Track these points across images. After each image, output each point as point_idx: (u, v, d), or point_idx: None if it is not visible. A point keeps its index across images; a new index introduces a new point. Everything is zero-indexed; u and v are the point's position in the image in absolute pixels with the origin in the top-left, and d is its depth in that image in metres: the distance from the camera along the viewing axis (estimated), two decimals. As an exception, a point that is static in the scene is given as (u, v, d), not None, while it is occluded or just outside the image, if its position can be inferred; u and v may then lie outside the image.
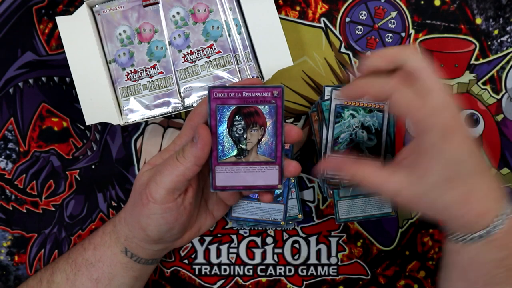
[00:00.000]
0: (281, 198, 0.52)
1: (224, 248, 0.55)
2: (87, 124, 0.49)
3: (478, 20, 0.54)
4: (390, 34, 0.54)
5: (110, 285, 0.48)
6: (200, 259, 0.55)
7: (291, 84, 0.54)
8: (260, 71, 0.51)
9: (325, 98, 0.50)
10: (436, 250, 0.55)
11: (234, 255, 0.55)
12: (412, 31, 0.54)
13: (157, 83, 0.51)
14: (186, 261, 0.55)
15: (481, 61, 0.54)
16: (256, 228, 0.54)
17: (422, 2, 0.54)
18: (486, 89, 0.54)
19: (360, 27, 0.54)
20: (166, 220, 0.45)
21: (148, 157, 0.54)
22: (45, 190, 0.54)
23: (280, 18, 0.50)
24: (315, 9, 0.54)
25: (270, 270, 0.55)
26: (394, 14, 0.54)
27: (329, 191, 0.54)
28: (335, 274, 0.55)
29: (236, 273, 0.55)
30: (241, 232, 0.55)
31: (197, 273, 0.55)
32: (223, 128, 0.43)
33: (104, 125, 0.54)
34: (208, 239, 0.55)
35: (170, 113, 0.50)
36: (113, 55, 0.51)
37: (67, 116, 0.54)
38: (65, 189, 0.54)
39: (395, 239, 0.55)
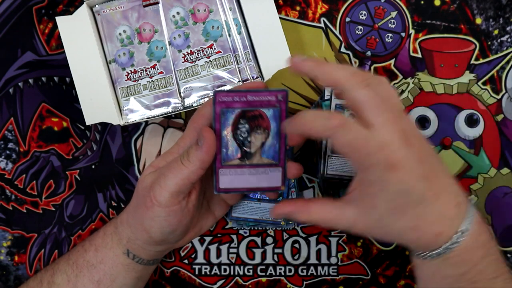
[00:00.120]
0: (281, 198, 0.52)
1: (224, 248, 0.55)
2: (87, 124, 0.49)
3: (478, 20, 0.54)
4: (390, 34, 0.54)
5: (112, 286, 0.48)
6: (200, 259, 0.55)
7: (291, 84, 0.54)
8: (260, 71, 0.51)
9: (325, 98, 0.50)
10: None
11: (234, 255, 0.55)
12: (412, 31, 0.54)
13: (157, 83, 0.51)
14: (186, 261, 0.55)
15: (481, 61, 0.54)
16: (256, 228, 0.54)
17: (422, 2, 0.54)
18: (486, 89, 0.54)
19: (360, 27, 0.54)
20: (170, 223, 0.45)
21: (148, 157, 0.54)
22: (45, 190, 0.54)
23: (280, 18, 0.50)
24: (315, 9, 0.54)
25: (270, 270, 0.55)
26: (394, 14, 0.54)
27: (329, 190, 0.54)
28: (335, 274, 0.55)
29: (236, 273, 0.55)
30: (241, 232, 0.55)
31: (197, 273, 0.55)
32: (227, 131, 0.43)
33: (104, 125, 0.54)
34: (208, 239, 0.55)
35: (170, 113, 0.50)
36: (113, 55, 0.51)
37: (67, 116, 0.54)
38: (65, 189, 0.54)
39: (395, 239, 0.55)
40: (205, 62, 0.50)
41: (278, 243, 0.55)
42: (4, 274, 0.55)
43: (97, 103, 0.49)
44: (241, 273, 0.55)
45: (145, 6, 0.51)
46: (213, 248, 0.55)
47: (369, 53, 0.54)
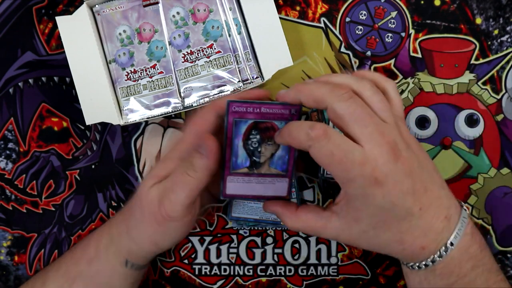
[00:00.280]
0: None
1: (224, 248, 0.55)
2: (87, 124, 0.49)
3: (478, 20, 0.54)
4: (390, 34, 0.54)
5: None
6: (200, 259, 0.55)
7: (291, 84, 0.54)
8: (260, 71, 0.51)
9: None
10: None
11: (234, 255, 0.55)
12: (412, 31, 0.54)
13: (157, 83, 0.51)
14: (186, 261, 0.55)
15: (481, 61, 0.54)
16: (256, 228, 0.54)
17: (422, 2, 0.54)
18: (486, 89, 0.54)
19: (360, 27, 0.54)
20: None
21: (148, 157, 0.54)
22: (45, 190, 0.54)
23: (280, 18, 0.50)
24: (315, 9, 0.54)
25: (270, 270, 0.55)
26: (394, 14, 0.54)
27: (329, 190, 0.54)
28: (335, 274, 0.55)
29: (236, 273, 0.55)
30: (241, 232, 0.55)
31: (197, 273, 0.55)
32: (238, 140, 0.43)
33: (104, 125, 0.54)
34: (208, 239, 0.55)
35: (170, 113, 0.50)
36: (113, 55, 0.51)
37: (67, 116, 0.54)
38: (65, 189, 0.54)
39: (395, 239, 0.55)
40: (205, 62, 0.50)
41: (278, 243, 0.55)
42: (4, 274, 0.55)
43: (97, 103, 0.49)
44: (241, 273, 0.55)
45: (145, 6, 0.51)
46: (213, 248, 0.55)
47: (369, 53, 0.54)
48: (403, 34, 0.54)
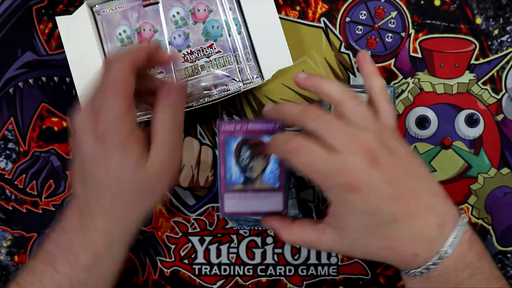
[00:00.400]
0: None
1: (224, 248, 0.55)
2: (87, 124, 0.48)
3: (478, 20, 0.54)
4: (390, 34, 0.54)
5: None
6: (200, 259, 0.55)
7: (291, 84, 0.54)
8: (260, 71, 0.51)
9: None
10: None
11: (234, 255, 0.55)
12: (412, 31, 0.54)
13: (157, 83, 0.51)
14: (186, 261, 0.55)
15: (481, 61, 0.54)
16: (256, 228, 0.54)
17: (422, 2, 0.54)
18: (486, 89, 0.54)
19: (360, 27, 0.54)
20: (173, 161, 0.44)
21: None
22: (45, 190, 0.54)
23: (280, 18, 0.50)
24: (315, 9, 0.54)
25: (270, 270, 0.55)
26: (394, 14, 0.54)
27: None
28: (335, 274, 0.55)
29: (236, 273, 0.55)
30: (241, 232, 0.55)
31: (197, 273, 0.55)
32: (231, 158, 0.45)
33: (104, 125, 0.54)
34: (208, 239, 0.55)
35: (170, 113, 0.50)
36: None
37: (67, 116, 0.54)
38: (65, 189, 0.54)
39: (395, 239, 0.55)
40: (205, 62, 0.50)
41: (278, 243, 0.55)
42: (4, 274, 0.55)
43: (97, 103, 0.49)
44: (241, 273, 0.55)
45: (145, 6, 0.51)
46: (213, 248, 0.55)
47: (369, 53, 0.54)
48: (403, 34, 0.54)
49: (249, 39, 0.51)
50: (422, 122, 0.54)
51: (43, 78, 0.54)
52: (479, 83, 0.54)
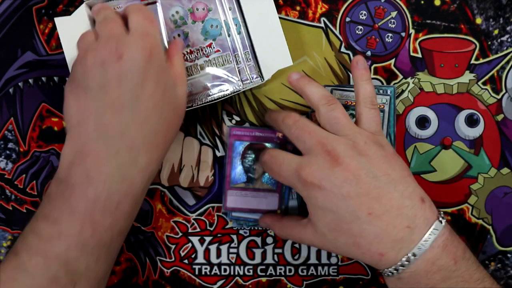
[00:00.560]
0: (283, 206, 0.52)
1: (224, 248, 0.55)
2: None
3: (478, 20, 0.54)
4: (390, 34, 0.54)
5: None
6: (200, 259, 0.55)
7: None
8: (260, 71, 0.51)
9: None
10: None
11: (234, 255, 0.55)
12: (412, 31, 0.54)
13: (157, 83, 0.50)
14: (186, 261, 0.55)
15: (481, 61, 0.54)
16: (256, 228, 0.54)
17: (422, 2, 0.54)
18: (486, 89, 0.54)
19: (360, 27, 0.54)
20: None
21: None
22: (45, 190, 0.54)
23: (280, 18, 0.50)
24: (315, 9, 0.54)
25: (270, 270, 0.55)
26: (394, 14, 0.54)
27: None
28: (335, 274, 0.55)
29: (236, 273, 0.55)
30: (241, 232, 0.55)
31: (197, 273, 0.55)
32: (237, 159, 0.52)
33: (104, 125, 0.54)
34: (208, 239, 0.55)
35: (170, 113, 0.50)
36: None
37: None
38: (65, 189, 0.54)
39: (395, 239, 0.55)
40: (204, 61, 0.50)
41: (278, 243, 0.55)
42: (4, 274, 0.55)
43: (97, 103, 0.49)
44: (241, 273, 0.55)
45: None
46: (213, 248, 0.55)
47: (369, 53, 0.54)
48: (403, 34, 0.54)
49: (249, 39, 0.51)
50: (422, 122, 0.54)
51: (43, 78, 0.54)
52: (479, 83, 0.54)
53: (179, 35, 0.50)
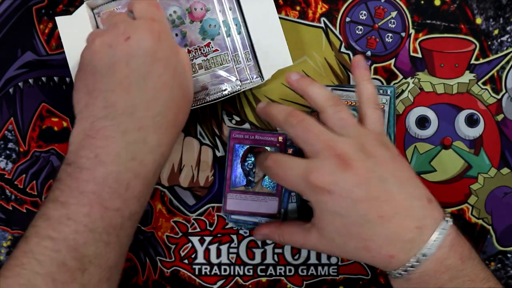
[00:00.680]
0: (282, 210, 0.52)
1: (224, 248, 0.55)
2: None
3: (478, 20, 0.54)
4: (390, 34, 0.54)
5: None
6: (200, 259, 0.55)
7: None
8: (260, 71, 0.51)
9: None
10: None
11: (234, 255, 0.55)
12: (412, 31, 0.54)
13: (157, 83, 0.50)
14: (186, 261, 0.55)
15: (481, 61, 0.54)
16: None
17: (422, 2, 0.54)
18: (486, 89, 0.54)
19: (360, 27, 0.54)
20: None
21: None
22: (45, 190, 0.54)
23: (280, 18, 0.50)
24: (315, 9, 0.54)
25: (270, 270, 0.55)
26: (394, 14, 0.54)
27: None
28: (335, 274, 0.55)
29: (236, 273, 0.55)
30: (241, 232, 0.55)
31: (197, 273, 0.55)
32: (237, 162, 0.52)
33: (104, 125, 0.54)
34: (208, 239, 0.55)
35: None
36: None
37: (67, 116, 0.54)
38: (65, 189, 0.54)
39: (395, 239, 0.55)
40: (202, 60, 0.50)
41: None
42: (4, 274, 0.55)
43: (97, 103, 0.49)
44: (241, 273, 0.55)
45: (145, 6, 0.51)
46: (213, 248, 0.55)
47: (369, 53, 0.54)
48: (403, 34, 0.54)
49: (249, 39, 0.51)
50: (422, 122, 0.54)
51: (43, 78, 0.54)
52: (479, 83, 0.54)
53: (176, 34, 0.50)
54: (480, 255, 0.54)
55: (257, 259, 0.55)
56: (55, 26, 0.53)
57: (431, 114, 0.54)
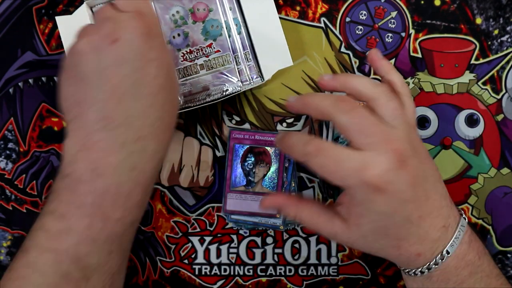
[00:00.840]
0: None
1: (224, 248, 0.55)
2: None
3: (478, 20, 0.54)
4: (390, 34, 0.54)
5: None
6: (200, 259, 0.55)
7: (291, 84, 0.54)
8: (260, 71, 0.51)
9: (325, 98, 0.50)
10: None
11: (234, 255, 0.55)
12: (412, 31, 0.54)
13: (157, 83, 0.50)
14: (186, 261, 0.55)
15: (481, 61, 0.54)
16: (256, 228, 0.54)
17: (422, 2, 0.54)
18: (486, 89, 0.54)
19: (360, 27, 0.54)
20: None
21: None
22: (45, 190, 0.54)
23: (280, 18, 0.50)
24: (315, 9, 0.54)
25: (270, 270, 0.55)
26: (394, 14, 0.54)
27: (329, 191, 0.54)
28: (335, 274, 0.55)
29: (236, 273, 0.55)
30: (241, 232, 0.55)
31: (197, 273, 0.55)
32: (237, 162, 0.52)
33: (104, 125, 0.54)
34: (208, 239, 0.55)
35: (170, 113, 0.50)
36: None
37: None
38: (65, 189, 0.54)
39: (395, 239, 0.55)
40: (204, 61, 0.50)
41: (278, 243, 0.55)
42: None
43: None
44: (241, 273, 0.55)
45: (145, 6, 0.51)
46: (213, 248, 0.55)
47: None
48: (403, 34, 0.54)
49: (249, 39, 0.51)
50: (422, 122, 0.54)
51: (43, 78, 0.54)
52: (479, 83, 0.54)
53: (179, 34, 0.50)
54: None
55: (257, 259, 0.55)
56: (55, 26, 0.53)
57: (431, 114, 0.54)
